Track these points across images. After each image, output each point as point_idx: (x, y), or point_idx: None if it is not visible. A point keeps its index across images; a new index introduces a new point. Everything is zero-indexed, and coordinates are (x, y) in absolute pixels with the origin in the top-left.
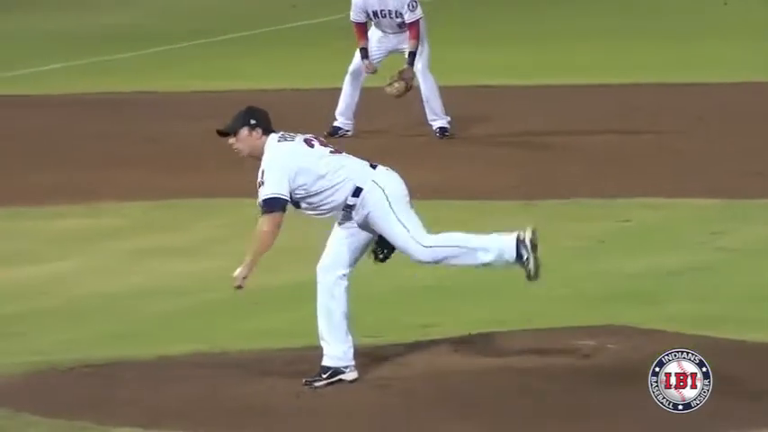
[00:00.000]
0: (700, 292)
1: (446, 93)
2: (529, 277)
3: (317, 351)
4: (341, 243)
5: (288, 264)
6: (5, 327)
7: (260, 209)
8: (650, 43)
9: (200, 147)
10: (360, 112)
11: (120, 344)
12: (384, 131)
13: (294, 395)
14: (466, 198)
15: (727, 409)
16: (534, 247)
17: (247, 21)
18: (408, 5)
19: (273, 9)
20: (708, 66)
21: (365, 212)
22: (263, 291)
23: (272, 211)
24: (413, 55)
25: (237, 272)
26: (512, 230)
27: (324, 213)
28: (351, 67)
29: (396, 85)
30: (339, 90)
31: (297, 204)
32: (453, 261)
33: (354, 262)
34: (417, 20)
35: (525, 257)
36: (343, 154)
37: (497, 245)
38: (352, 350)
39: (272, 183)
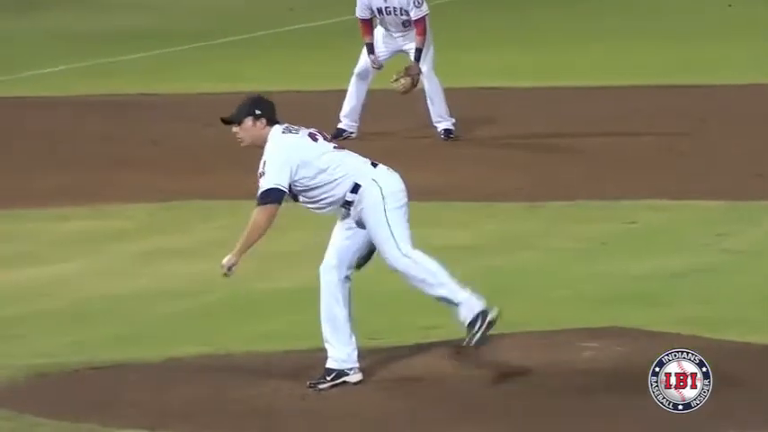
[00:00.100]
0: (704, 293)
1: (450, 95)
2: (465, 343)
3: (322, 353)
4: (342, 243)
5: (292, 267)
6: (8, 329)
7: (257, 199)
8: (652, 45)
9: (204, 149)
10: (365, 113)
11: (125, 346)
12: (389, 133)
13: (299, 397)
14: (470, 200)
15: (727, 409)
16: (489, 326)
17: (246, 23)
18: (414, 2)
19: (271, 12)
20: (711, 67)
21: (360, 208)
22: (268, 293)
23: (268, 202)
24: (419, 51)
25: (226, 259)
26: (480, 298)
27: (322, 208)
28: (356, 69)
29: (402, 80)
30: (340, 92)
31: (295, 197)
32: (416, 283)
33: (356, 262)
34: (423, 16)
35: (476, 329)
36: (346, 151)
37: (462, 299)
38: (356, 352)
39: (273, 174)
